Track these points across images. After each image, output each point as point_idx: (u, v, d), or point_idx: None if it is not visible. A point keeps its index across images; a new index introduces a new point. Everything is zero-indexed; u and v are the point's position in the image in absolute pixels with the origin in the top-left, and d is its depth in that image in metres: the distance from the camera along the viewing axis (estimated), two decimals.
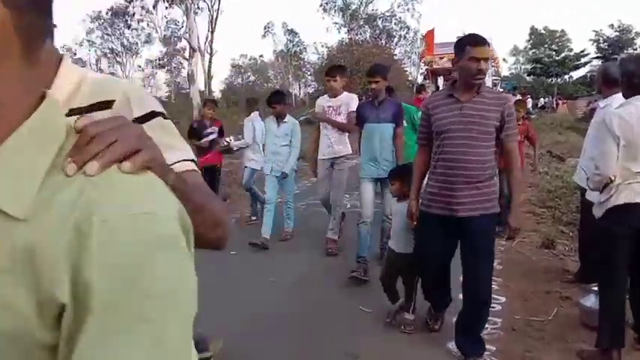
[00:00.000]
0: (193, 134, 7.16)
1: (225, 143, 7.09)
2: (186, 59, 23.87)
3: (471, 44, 2.82)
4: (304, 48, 41.79)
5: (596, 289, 3.35)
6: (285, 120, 5.91)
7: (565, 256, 5.08)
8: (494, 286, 4.29)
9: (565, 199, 7.32)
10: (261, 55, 49.30)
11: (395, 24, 37.79)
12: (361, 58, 26.29)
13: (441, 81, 18.70)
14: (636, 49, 42.49)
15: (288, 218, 6.07)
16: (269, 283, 4.56)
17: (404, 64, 36.00)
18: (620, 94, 3.86)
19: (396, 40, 38.10)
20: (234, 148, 7.19)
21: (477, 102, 2.88)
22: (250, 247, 5.45)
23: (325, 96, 5.61)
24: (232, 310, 3.94)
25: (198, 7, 27.77)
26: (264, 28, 42.00)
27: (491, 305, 3.89)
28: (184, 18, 23.75)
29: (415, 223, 3.26)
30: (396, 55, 35.35)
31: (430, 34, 19.48)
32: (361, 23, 37.19)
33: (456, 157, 2.89)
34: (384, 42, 36.08)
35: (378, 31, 37.12)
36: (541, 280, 4.46)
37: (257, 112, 7.02)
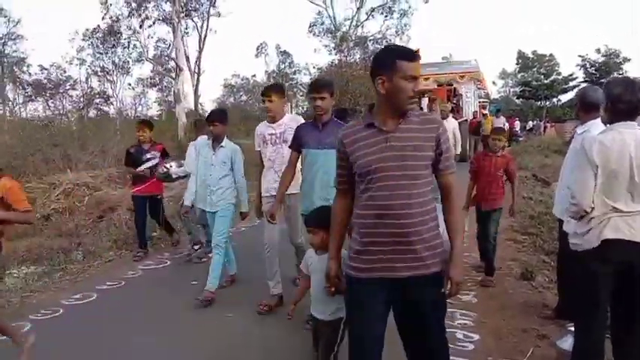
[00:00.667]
0: (130, 161, 6.55)
1: (165, 169, 6.23)
2: (173, 78, 23.74)
3: (404, 58, 2.16)
4: (298, 70, 41.94)
5: (572, 328, 3.11)
6: (223, 144, 4.90)
7: (544, 288, 4.83)
8: (468, 322, 4.08)
9: (548, 225, 7.10)
10: (253, 75, 49.45)
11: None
12: (350, 79, 26.26)
13: (425, 102, 18.51)
14: (623, 74, 42.95)
15: (227, 262, 5.21)
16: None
17: None
18: (599, 120, 3.68)
19: None
20: (174, 176, 6.30)
21: (405, 130, 2.21)
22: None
23: (265, 122, 4.57)
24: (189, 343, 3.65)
25: (187, 27, 27.81)
26: (257, 48, 42.13)
27: (464, 345, 3.69)
28: (172, 37, 23.70)
29: (333, 289, 2.49)
30: None
31: None
32: (351, 45, 37.37)
33: (387, 204, 2.17)
34: None
35: (368, 54, 37.30)
36: (518, 316, 4.20)
37: (206, 137, 5.60)
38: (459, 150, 9.56)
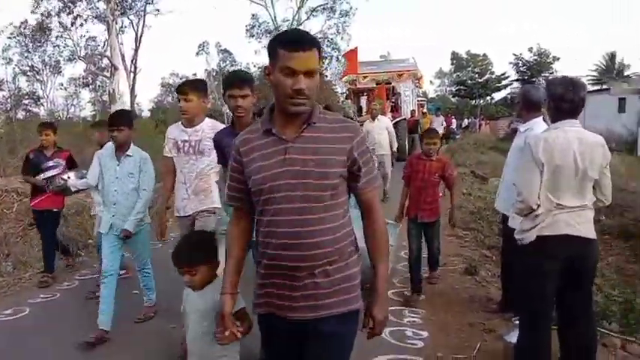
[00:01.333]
0: (28, 168, 5.71)
1: (61, 181, 5.39)
2: (108, 78, 22.81)
3: (283, 46, 1.71)
4: (240, 69, 41.41)
5: (518, 322, 3.19)
6: (129, 153, 4.13)
7: (488, 282, 4.98)
8: (416, 320, 4.13)
9: (488, 220, 7.35)
10: (194, 74, 48.38)
11: (327, 45, 38.21)
12: None
13: (364, 101, 18.41)
14: (552, 73, 45.29)
15: (147, 289, 4.44)
16: None
17: (334, 85, 36.36)
18: (540, 119, 3.82)
19: (327, 61, 38.48)
20: (73, 189, 5.48)
21: (308, 140, 1.76)
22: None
23: (179, 123, 3.79)
24: None
25: (122, 25, 26.81)
26: (199, 46, 41.25)
27: (413, 342, 3.73)
28: (106, 35, 22.74)
29: (227, 334, 1.93)
30: (327, 76, 35.64)
31: (353, 52, 18.33)
32: None
33: (286, 232, 1.75)
34: None
35: None
36: (464, 311, 4.30)
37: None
38: (394, 147, 9.65)
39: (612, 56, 45.22)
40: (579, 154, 2.74)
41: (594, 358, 3.01)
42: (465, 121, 41.96)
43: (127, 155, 4.13)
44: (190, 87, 3.69)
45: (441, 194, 5.05)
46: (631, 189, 9.10)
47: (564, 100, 2.78)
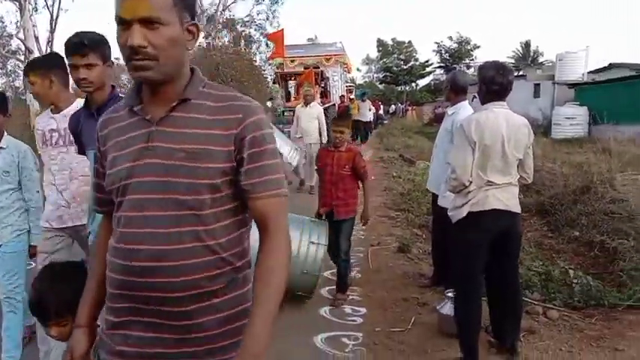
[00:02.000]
0: None
1: None
2: (22, 62, 21.26)
3: None
4: (84, 31, 39.70)
5: (451, 295, 3.37)
6: (2, 145, 3.10)
7: (419, 259, 5.19)
8: (355, 297, 4.25)
9: (417, 201, 7.63)
10: (117, 58, 46.13)
11: (255, 29, 37.73)
12: (220, 62, 25.67)
13: (292, 86, 17.88)
14: (473, 60, 47.34)
15: (8, 338, 3.14)
16: None
17: (264, 70, 36.04)
18: (466, 102, 4.02)
19: (255, 46, 38.02)
20: None
21: (179, 122, 1.28)
22: None
23: (48, 110, 2.92)
24: None
25: (36, 5, 25.01)
26: None
27: (353, 319, 3.84)
28: (18, 15, 21.15)
29: None
30: (256, 61, 35.23)
31: (279, 34, 16.88)
32: (219, 27, 36.51)
33: (139, 249, 1.25)
34: (243, 48, 35.75)
35: (237, 36, 36.75)
36: (399, 287, 4.46)
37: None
38: (324, 139, 8.81)
39: (527, 44, 47.93)
40: (506, 134, 2.92)
41: (520, 325, 3.25)
42: (392, 107, 43.09)
43: (1, 147, 3.09)
44: (39, 64, 2.83)
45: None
46: (546, 169, 9.74)
47: (494, 83, 2.95)
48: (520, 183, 3.10)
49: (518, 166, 3.03)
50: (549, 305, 3.89)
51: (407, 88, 55.28)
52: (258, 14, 36.47)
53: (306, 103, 9.04)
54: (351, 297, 4.25)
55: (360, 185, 4.20)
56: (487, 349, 3.20)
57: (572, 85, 20.09)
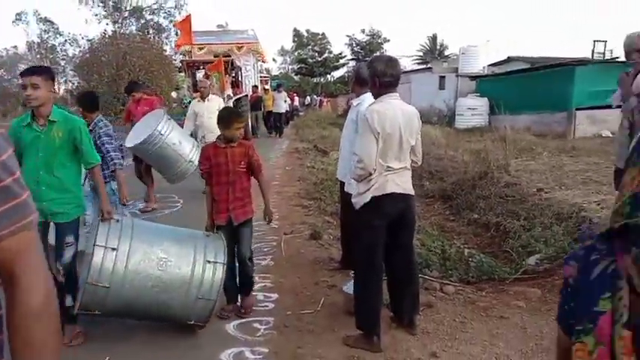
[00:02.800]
0: None
1: None
2: None
3: None
4: (64, 40, 37.48)
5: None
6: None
7: (330, 245, 5.38)
8: (267, 284, 4.34)
9: (330, 190, 7.84)
10: (14, 46, 42.58)
11: (164, 17, 36.49)
12: (128, 52, 24.58)
13: (200, 75, 16.94)
14: (384, 52, 48.78)
15: None
16: None
17: (175, 60, 34.99)
18: (369, 93, 4.20)
19: (165, 34, 36.78)
20: None
21: None
22: None
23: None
24: None
25: None
26: (17, 15, 36.48)
27: (265, 304, 3.93)
28: None
29: None
30: (166, 50, 34.10)
31: (186, 21, 15.84)
32: (126, 15, 34.97)
33: None
34: (152, 37, 34.46)
35: (145, 24, 35.38)
36: (310, 272, 4.62)
37: None
38: None
39: (434, 38, 50.10)
40: (403, 123, 3.14)
41: (418, 300, 3.52)
42: (308, 99, 43.43)
43: None
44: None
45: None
46: (449, 157, 10.36)
47: (386, 75, 3.15)
48: (412, 166, 3.33)
49: (410, 152, 3.26)
50: (446, 282, 4.21)
51: (322, 79, 55.95)
52: (166, 1, 35.28)
53: (203, 97, 7.90)
54: (263, 284, 4.34)
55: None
56: (389, 325, 3.43)
57: (473, 78, 21.34)
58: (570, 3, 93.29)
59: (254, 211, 3.84)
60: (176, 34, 34.73)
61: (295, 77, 58.34)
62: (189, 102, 13.20)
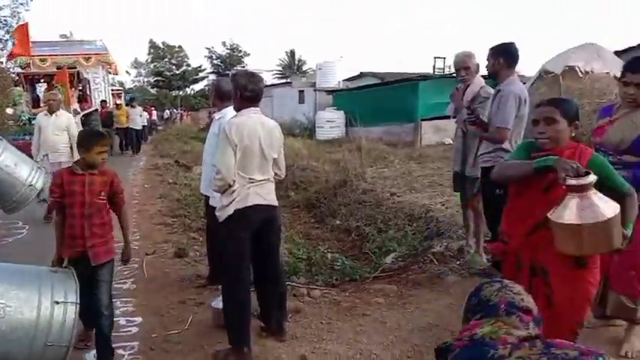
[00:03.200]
0: None
1: None
2: None
3: None
4: None
5: None
6: None
7: (196, 262, 5.27)
8: (129, 308, 4.13)
9: (194, 206, 7.69)
10: None
11: (1, 28, 32.85)
12: None
13: (41, 89, 14.67)
14: (244, 67, 48.93)
15: None
16: None
17: (12, 73, 31.69)
18: (231, 107, 4.23)
19: (1, 46, 33.13)
20: None
21: None
22: None
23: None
24: None
25: None
26: None
27: (127, 329, 3.74)
28: None
29: None
30: (2, 62, 30.69)
31: (22, 30, 14.52)
32: None
33: None
34: None
35: None
36: (176, 291, 4.48)
37: None
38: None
39: (293, 53, 51.48)
40: (263, 136, 3.22)
41: (286, 306, 3.61)
42: (167, 112, 41.93)
43: None
44: None
45: None
46: (312, 167, 10.73)
47: (247, 90, 3.22)
48: (275, 179, 3.42)
49: (272, 164, 3.36)
50: (312, 286, 4.37)
51: (181, 93, 54.51)
52: (1, 9, 31.87)
53: (51, 111, 6.97)
54: (125, 308, 4.12)
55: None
56: (258, 334, 3.47)
57: (330, 92, 22.38)
58: (411, 22, 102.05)
59: (115, 250, 3.30)
60: (13, 44, 31.52)
61: (152, 90, 56.10)
62: (29, 119, 11.88)
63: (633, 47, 21.05)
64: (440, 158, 12.10)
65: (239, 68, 47.83)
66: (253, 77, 3.30)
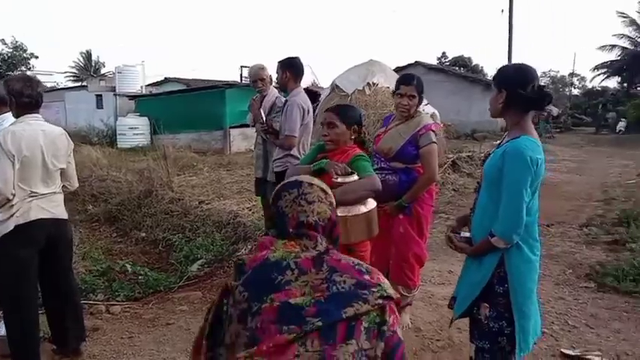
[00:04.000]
0: None
1: None
2: None
3: None
4: None
5: None
6: None
7: None
8: None
9: None
10: None
11: None
12: None
13: None
14: (30, 68, 43.54)
15: None
16: None
17: None
18: (10, 114, 3.85)
19: None
20: None
21: None
22: None
23: None
24: None
25: None
26: None
27: None
28: None
29: None
30: None
31: None
32: None
33: None
34: None
35: None
36: None
37: None
38: None
39: (89, 55, 47.51)
40: (45, 145, 3.01)
41: (83, 326, 3.39)
42: None
43: None
44: None
45: None
46: (113, 178, 10.11)
47: (24, 96, 2.98)
48: (64, 191, 3.22)
49: (61, 175, 3.15)
50: (112, 302, 4.19)
51: None
52: None
53: None
54: None
55: None
56: (51, 358, 3.23)
57: (132, 97, 21.26)
58: (217, 29, 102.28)
59: None
60: None
61: None
62: None
63: (411, 64, 24.24)
64: (248, 165, 12.41)
65: (24, 70, 42.63)
66: (29, 82, 3.06)
